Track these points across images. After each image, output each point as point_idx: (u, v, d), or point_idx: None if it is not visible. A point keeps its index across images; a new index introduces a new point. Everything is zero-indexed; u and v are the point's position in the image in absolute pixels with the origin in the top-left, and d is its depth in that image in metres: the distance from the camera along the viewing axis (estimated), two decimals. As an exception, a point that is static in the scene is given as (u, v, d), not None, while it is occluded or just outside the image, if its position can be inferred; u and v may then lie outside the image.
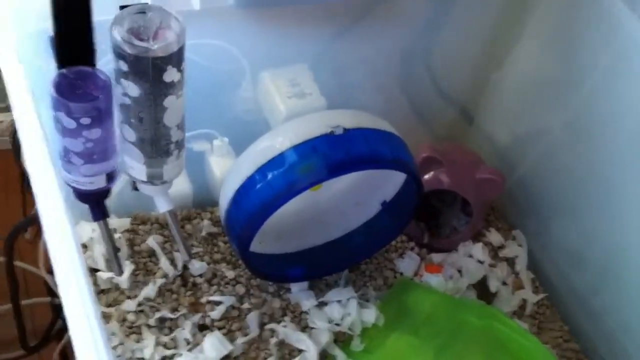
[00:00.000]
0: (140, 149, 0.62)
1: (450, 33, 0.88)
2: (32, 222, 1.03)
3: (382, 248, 0.87)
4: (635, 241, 0.79)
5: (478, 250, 0.90)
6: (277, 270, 0.82)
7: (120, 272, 0.72)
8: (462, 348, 0.78)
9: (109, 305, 0.77)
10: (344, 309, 0.80)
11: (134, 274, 0.79)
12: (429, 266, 0.88)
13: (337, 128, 0.70)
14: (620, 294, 0.83)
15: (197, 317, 0.78)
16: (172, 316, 0.77)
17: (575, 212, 0.88)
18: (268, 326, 0.79)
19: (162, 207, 0.69)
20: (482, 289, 0.88)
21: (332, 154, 0.70)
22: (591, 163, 0.83)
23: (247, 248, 0.74)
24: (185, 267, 0.81)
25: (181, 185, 0.84)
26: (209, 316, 0.78)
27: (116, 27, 0.55)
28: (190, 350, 0.75)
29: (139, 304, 0.77)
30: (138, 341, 0.75)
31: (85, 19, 0.56)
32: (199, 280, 0.81)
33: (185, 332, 0.76)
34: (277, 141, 0.71)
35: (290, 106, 0.79)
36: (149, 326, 0.76)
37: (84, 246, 0.80)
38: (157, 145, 0.62)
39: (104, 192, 0.65)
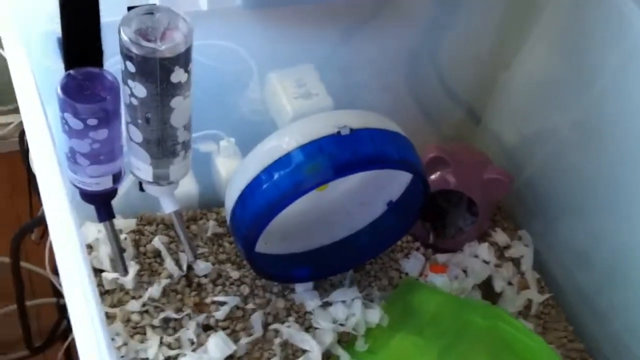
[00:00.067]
0: (147, 150, 0.62)
1: (457, 33, 0.88)
2: (39, 223, 1.03)
3: (387, 248, 0.87)
4: (643, 241, 0.79)
5: (484, 250, 0.90)
6: (283, 271, 0.82)
7: (125, 272, 0.72)
8: (467, 348, 0.78)
9: (113, 306, 0.77)
10: (348, 309, 0.80)
11: (138, 274, 0.79)
12: (434, 266, 0.88)
13: (344, 128, 0.70)
14: (627, 294, 0.82)
15: (201, 318, 0.77)
16: (176, 316, 0.77)
17: (583, 212, 0.87)
18: (272, 326, 0.79)
19: (168, 207, 0.69)
20: (487, 289, 0.88)
21: (339, 154, 0.69)
22: (600, 163, 0.82)
23: (253, 248, 0.74)
24: (190, 268, 0.81)
25: (187, 186, 0.84)
26: (213, 316, 0.78)
27: (124, 28, 0.54)
28: (194, 350, 0.75)
29: (144, 305, 0.77)
30: (142, 341, 0.75)
31: (93, 20, 0.56)
32: (203, 280, 0.81)
33: (189, 332, 0.76)
34: (284, 141, 0.70)
35: (296, 106, 0.79)
36: (153, 326, 0.76)
37: (90, 247, 0.80)
38: (164, 146, 0.62)
39: (110, 193, 0.65)
